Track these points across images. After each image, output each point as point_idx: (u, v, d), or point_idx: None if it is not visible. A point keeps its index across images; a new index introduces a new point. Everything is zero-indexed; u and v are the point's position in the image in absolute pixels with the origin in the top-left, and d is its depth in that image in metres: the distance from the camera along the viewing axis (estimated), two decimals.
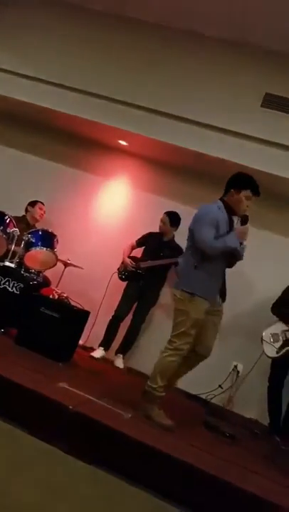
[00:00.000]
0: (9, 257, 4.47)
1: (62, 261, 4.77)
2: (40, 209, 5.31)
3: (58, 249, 4.70)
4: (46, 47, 5.13)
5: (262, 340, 4.34)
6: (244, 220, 3.34)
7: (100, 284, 5.12)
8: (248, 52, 4.62)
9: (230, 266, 3.48)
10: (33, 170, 5.72)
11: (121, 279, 5.06)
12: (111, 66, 4.96)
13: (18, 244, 4.53)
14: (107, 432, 2.65)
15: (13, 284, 4.32)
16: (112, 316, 4.96)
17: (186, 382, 4.20)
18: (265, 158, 4.51)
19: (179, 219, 4.96)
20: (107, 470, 2.49)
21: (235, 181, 3.36)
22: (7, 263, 4.44)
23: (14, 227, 4.55)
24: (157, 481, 2.50)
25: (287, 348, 4.19)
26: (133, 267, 4.98)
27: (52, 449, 2.51)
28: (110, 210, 5.60)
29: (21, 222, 5.02)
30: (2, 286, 4.34)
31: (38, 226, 5.12)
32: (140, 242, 5.13)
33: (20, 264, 4.54)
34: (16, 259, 4.50)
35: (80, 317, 4.48)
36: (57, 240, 4.73)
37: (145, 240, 5.12)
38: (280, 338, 4.26)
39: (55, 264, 4.70)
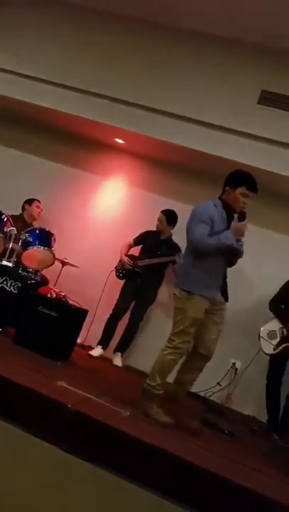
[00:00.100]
0: (7, 256, 4.47)
1: (59, 260, 4.77)
2: (38, 207, 5.29)
3: (55, 247, 4.70)
4: (46, 47, 5.12)
5: (259, 337, 4.36)
6: (241, 217, 3.31)
7: (97, 283, 5.12)
8: (243, 50, 4.61)
9: (232, 264, 3.43)
10: (33, 170, 5.70)
11: (119, 277, 5.06)
12: (111, 66, 4.95)
13: (15, 243, 4.52)
14: (106, 430, 2.65)
15: (11, 283, 4.31)
16: (110, 315, 4.96)
17: None
18: (263, 155, 4.51)
19: (176, 217, 4.96)
20: (106, 468, 2.49)
21: (230, 179, 3.35)
22: (4, 262, 4.43)
23: (11, 226, 4.54)
24: (156, 478, 2.50)
25: (285, 345, 4.21)
26: (131, 266, 4.98)
27: (51, 448, 2.51)
28: (108, 208, 5.60)
29: (18, 220, 5.01)
30: (0, 286, 4.34)
31: (36, 224, 5.11)
32: (137, 241, 5.14)
33: (18, 263, 4.53)
34: (14, 258, 4.49)
35: (78, 316, 4.48)
36: (54, 239, 4.72)
37: (142, 239, 5.13)
38: (278, 334, 4.27)
39: (53, 263, 4.70)
